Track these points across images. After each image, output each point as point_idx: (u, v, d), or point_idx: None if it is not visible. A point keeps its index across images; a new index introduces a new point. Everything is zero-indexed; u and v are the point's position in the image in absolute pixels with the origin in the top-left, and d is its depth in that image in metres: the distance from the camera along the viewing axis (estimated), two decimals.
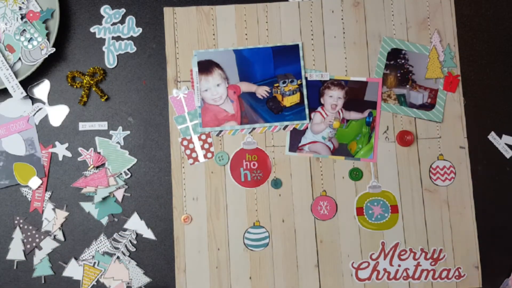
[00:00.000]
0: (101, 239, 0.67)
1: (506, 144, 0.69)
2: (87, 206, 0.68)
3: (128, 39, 0.70)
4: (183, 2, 0.71)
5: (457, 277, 0.68)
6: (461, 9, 0.72)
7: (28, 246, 0.67)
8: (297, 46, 0.70)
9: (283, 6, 0.71)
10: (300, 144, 0.69)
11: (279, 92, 0.69)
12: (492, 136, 0.68)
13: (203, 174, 0.68)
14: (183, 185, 0.68)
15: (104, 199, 0.67)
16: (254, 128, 0.69)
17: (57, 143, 0.68)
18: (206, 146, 0.69)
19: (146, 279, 0.67)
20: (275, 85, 0.69)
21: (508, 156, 0.69)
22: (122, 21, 0.70)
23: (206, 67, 0.69)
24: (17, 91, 0.67)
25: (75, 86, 0.69)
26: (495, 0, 0.72)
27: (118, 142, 0.69)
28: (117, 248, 0.67)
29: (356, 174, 0.69)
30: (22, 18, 0.68)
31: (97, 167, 0.68)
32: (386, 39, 0.71)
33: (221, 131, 0.69)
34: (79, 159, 0.68)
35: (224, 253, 0.67)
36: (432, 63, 0.70)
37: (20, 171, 0.68)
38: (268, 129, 0.69)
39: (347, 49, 0.71)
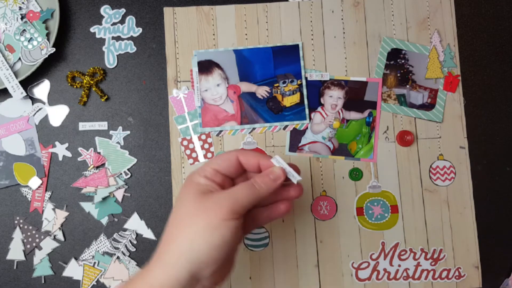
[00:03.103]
0: (101, 239, 0.67)
1: None
2: (87, 206, 0.68)
3: (128, 39, 0.70)
4: (183, 2, 0.71)
5: (457, 277, 0.68)
6: (461, 9, 0.72)
7: (28, 246, 0.67)
8: (297, 46, 0.70)
9: (283, 6, 0.71)
10: (300, 144, 0.69)
11: (279, 92, 0.69)
12: None
13: None
14: None
15: (104, 199, 0.67)
16: (254, 128, 0.69)
17: (57, 143, 0.68)
18: (206, 146, 0.69)
19: None
20: (275, 85, 0.69)
21: None
22: (122, 21, 0.70)
23: (206, 67, 0.69)
24: (17, 91, 0.67)
25: (75, 86, 0.69)
26: (495, 0, 0.72)
27: (118, 142, 0.69)
28: (117, 248, 0.67)
29: (356, 174, 0.69)
30: (22, 18, 0.68)
31: (97, 167, 0.68)
32: (386, 39, 0.71)
33: (221, 131, 0.69)
34: (79, 159, 0.68)
35: None
36: (432, 63, 0.70)
37: (20, 171, 0.68)
38: (268, 129, 0.69)
39: (347, 49, 0.71)
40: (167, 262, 0.43)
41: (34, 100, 0.69)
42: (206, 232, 0.43)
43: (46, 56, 0.67)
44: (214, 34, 0.70)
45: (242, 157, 0.49)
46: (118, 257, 0.67)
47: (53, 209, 0.67)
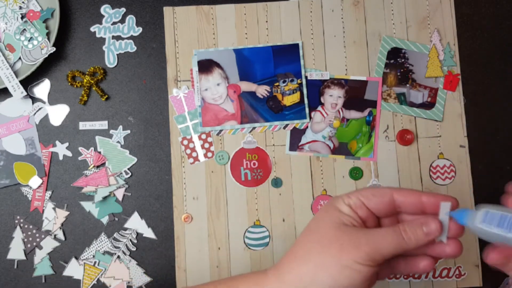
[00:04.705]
0: (101, 239, 0.67)
1: None
2: (88, 206, 0.68)
3: (128, 38, 0.70)
4: (183, 2, 0.71)
5: (457, 276, 0.68)
6: (461, 8, 0.72)
7: (29, 245, 0.67)
8: (297, 45, 0.70)
9: (283, 5, 0.71)
10: (300, 143, 0.69)
11: (279, 91, 0.69)
12: None
13: (203, 174, 0.68)
14: (184, 185, 0.68)
15: (105, 198, 0.67)
16: (254, 128, 0.69)
17: (57, 142, 0.68)
18: (206, 145, 0.69)
19: (147, 279, 0.67)
20: (275, 84, 0.70)
21: None
22: (122, 21, 0.70)
23: (206, 66, 0.69)
24: (17, 91, 0.67)
25: (75, 86, 0.69)
26: None
27: (118, 142, 0.69)
28: (117, 248, 0.67)
29: (356, 173, 0.69)
30: (22, 18, 0.68)
31: (98, 167, 0.68)
32: (386, 38, 0.71)
33: (221, 130, 0.69)
34: (79, 158, 0.68)
35: (224, 253, 0.67)
36: (432, 62, 0.70)
37: (20, 171, 0.68)
38: (268, 128, 0.69)
39: (347, 48, 0.71)
40: (286, 281, 0.41)
41: (34, 100, 0.69)
42: (334, 269, 0.39)
43: (46, 55, 0.67)
44: (214, 34, 0.70)
45: (398, 195, 0.42)
46: (118, 257, 0.67)
47: (54, 209, 0.67)
